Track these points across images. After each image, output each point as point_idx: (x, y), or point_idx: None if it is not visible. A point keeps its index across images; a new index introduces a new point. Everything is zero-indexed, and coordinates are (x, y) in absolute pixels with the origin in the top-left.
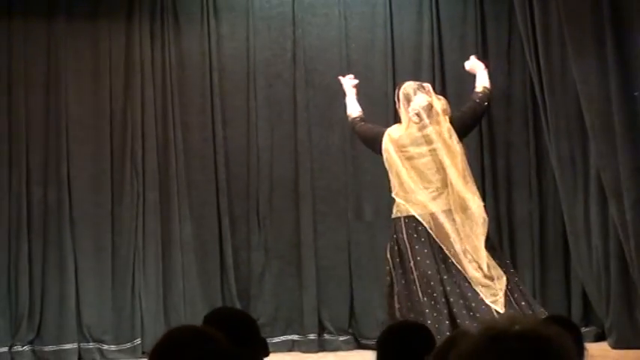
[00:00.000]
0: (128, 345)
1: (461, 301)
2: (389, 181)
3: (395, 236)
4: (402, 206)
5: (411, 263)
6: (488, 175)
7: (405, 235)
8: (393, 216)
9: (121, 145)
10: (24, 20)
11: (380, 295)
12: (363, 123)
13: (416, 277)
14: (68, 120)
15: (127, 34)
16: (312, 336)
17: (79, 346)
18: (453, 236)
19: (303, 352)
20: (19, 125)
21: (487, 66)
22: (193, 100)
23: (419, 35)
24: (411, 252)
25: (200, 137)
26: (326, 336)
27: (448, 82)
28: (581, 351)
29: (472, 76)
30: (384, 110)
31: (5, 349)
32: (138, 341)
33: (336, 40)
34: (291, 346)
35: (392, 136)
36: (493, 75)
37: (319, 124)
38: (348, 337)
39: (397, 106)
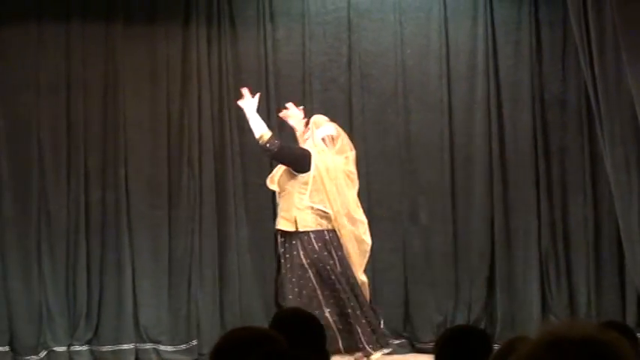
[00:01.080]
0: (184, 346)
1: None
2: (444, 185)
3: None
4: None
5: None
6: (542, 181)
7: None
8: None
9: (177, 148)
10: (82, 23)
11: (435, 298)
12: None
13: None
14: (126, 123)
15: (184, 38)
16: None
17: (135, 347)
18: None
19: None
20: (77, 128)
21: None
22: None
23: (473, 40)
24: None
25: (256, 141)
26: None
27: (503, 87)
28: (638, 356)
29: (525, 82)
30: (438, 116)
31: (64, 348)
32: (194, 342)
33: (391, 45)
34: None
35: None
36: (547, 80)
37: (374, 128)
38: (403, 340)
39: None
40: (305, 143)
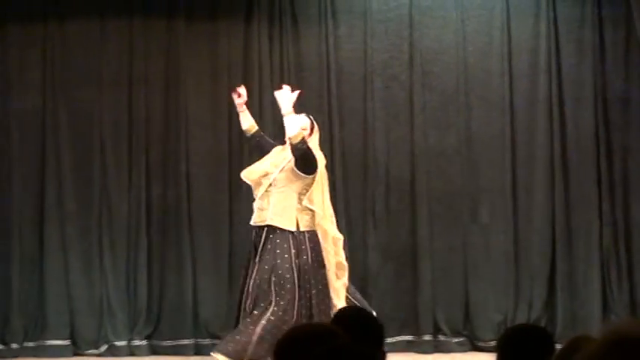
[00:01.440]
0: None
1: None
2: (505, 183)
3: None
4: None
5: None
6: (604, 180)
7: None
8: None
9: (238, 145)
10: (144, 20)
11: (495, 297)
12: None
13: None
14: (187, 119)
15: (246, 35)
16: (426, 337)
17: (195, 342)
18: None
19: (417, 353)
20: (138, 123)
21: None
22: (311, 101)
23: (536, 39)
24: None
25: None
26: (440, 337)
27: (565, 85)
28: None
29: (588, 81)
30: (500, 114)
31: (124, 342)
32: None
33: (453, 42)
34: (405, 347)
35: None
36: (610, 79)
37: (435, 126)
38: (463, 339)
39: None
40: (310, 142)
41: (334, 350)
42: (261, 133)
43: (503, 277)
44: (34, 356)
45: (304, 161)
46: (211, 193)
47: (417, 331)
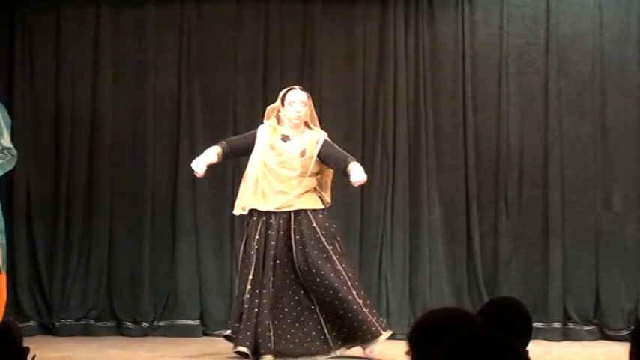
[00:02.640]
0: None
1: None
2: (639, 171)
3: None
4: None
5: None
6: None
7: None
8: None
9: (372, 128)
10: (280, 2)
11: (626, 286)
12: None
13: None
14: (322, 101)
15: (382, 19)
16: (556, 324)
17: None
18: None
19: (547, 340)
20: None
21: None
22: (445, 86)
23: None
24: None
25: (451, 122)
26: (570, 325)
27: None
28: None
29: None
30: (636, 102)
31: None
32: (383, 322)
33: (590, 29)
34: (534, 334)
35: None
36: None
37: (570, 113)
38: (593, 327)
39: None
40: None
41: (468, 336)
42: (223, 144)
43: (634, 265)
44: (164, 335)
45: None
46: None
47: (547, 319)
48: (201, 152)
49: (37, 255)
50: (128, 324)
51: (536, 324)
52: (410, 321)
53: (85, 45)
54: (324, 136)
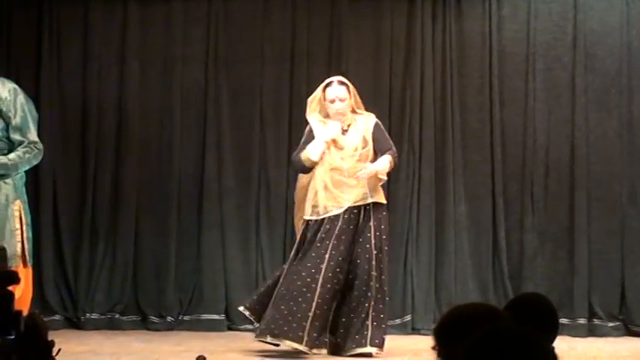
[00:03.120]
0: (398, 321)
1: None
2: None
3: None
4: None
5: None
6: None
7: None
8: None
9: (399, 122)
10: None
11: None
12: None
13: None
14: None
15: (409, 13)
16: (581, 320)
17: None
18: None
19: (572, 336)
20: (299, 99)
21: None
22: (472, 81)
23: None
24: None
25: (477, 118)
26: (595, 321)
27: None
28: None
29: None
30: None
31: None
32: (408, 317)
33: (617, 25)
34: (560, 330)
35: None
36: None
37: (597, 109)
38: (618, 323)
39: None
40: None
41: (495, 332)
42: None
43: None
44: (189, 329)
45: None
46: None
47: (572, 314)
48: (228, 146)
49: (63, 249)
50: (153, 318)
51: (561, 320)
52: (435, 316)
53: (113, 38)
54: (373, 119)
